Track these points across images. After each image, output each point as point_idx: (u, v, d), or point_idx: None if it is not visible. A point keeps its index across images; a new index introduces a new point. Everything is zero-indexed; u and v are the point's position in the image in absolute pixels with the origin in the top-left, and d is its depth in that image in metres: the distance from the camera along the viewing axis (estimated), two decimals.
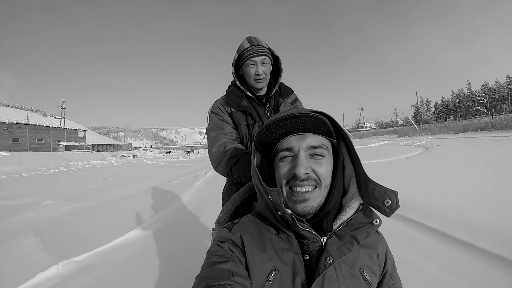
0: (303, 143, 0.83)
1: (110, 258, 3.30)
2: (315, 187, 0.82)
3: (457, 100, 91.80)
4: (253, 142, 0.91)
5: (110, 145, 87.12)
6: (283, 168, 0.83)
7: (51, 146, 54.91)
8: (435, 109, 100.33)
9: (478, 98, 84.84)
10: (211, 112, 1.82)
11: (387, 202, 0.82)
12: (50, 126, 57.20)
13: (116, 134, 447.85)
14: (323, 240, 0.82)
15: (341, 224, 0.85)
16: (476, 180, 5.79)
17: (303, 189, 0.80)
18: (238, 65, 1.78)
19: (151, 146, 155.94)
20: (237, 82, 1.78)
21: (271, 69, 1.81)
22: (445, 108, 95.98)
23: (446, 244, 3.08)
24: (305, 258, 0.81)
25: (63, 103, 76.97)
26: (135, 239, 3.96)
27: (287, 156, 0.84)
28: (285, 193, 0.83)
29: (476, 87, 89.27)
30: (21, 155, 29.51)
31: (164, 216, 5.20)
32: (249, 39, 1.73)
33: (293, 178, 0.81)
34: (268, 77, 1.78)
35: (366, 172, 0.89)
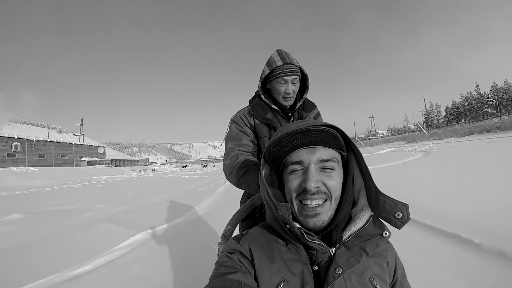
0: (314, 156, 0.81)
1: (158, 235, 4.80)
2: (326, 200, 0.82)
3: (466, 103, 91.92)
4: (262, 155, 0.90)
5: (128, 160, 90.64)
6: (293, 182, 0.82)
7: (74, 161, 57.50)
8: (446, 113, 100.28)
9: (487, 99, 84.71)
10: (232, 121, 1.84)
11: (398, 215, 0.82)
12: (73, 143, 59.92)
13: (130, 150, 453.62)
14: (332, 251, 0.83)
15: (351, 235, 0.86)
16: (462, 181, 6.15)
17: (314, 203, 0.80)
18: (267, 79, 1.77)
19: (166, 160, 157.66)
20: (262, 96, 1.79)
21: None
22: (456, 112, 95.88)
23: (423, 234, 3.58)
24: (314, 269, 0.82)
25: (82, 121, 79.04)
26: (181, 223, 5.57)
27: (297, 169, 0.83)
28: (296, 207, 0.83)
29: (486, 89, 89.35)
30: (49, 170, 31.55)
31: (198, 210, 6.80)
32: (281, 54, 1.70)
33: (303, 192, 0.80)
34: (295, 95, 1.79)
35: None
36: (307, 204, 0.80)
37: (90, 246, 4.22)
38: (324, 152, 0.82)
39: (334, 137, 0.82)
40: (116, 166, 67.16)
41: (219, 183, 13.89)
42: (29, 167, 33.65)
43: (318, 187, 0.80)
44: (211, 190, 10.72)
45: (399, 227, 0.83)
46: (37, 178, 25.66)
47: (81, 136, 76.03)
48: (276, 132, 0.89)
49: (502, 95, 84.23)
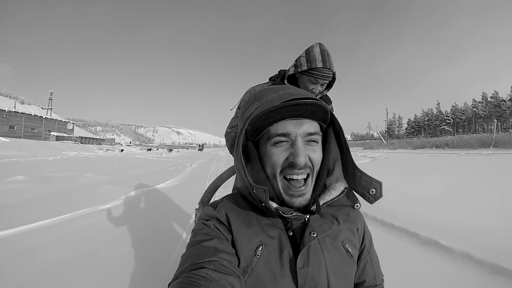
0: (301, 129, 0.79)
1: (148, 193, 6.31)
2: (308, 174, 0.83)
3: (426, 119, 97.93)
4: (243, 127, 0.82)
5: (95, 138, 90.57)
6: (278, 155, 0.80)
7: (42, 135, 57.44)
8: (408, 125, 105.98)
9: (445, 118, 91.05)
10: (249, 92, 1.86)
11: (372, 191, 0.85)
12: (44, 117, 59.50)
13: (94, 128, 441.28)
14: (306, 217, 0.85)
15: (324, 203, 0.89)
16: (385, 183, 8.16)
17: (300, 177, 0.80)
18: (301, 72, 1.74)
19: (130, 142, 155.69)
20: (286, 82, 1.81)
21: None
22: (416, 125, 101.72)
23: None
24: (289, 234, 0.84)
25: (51, 95, 77.62)
26: (163, 187, 7.11)
27: (282, 141, 0.79)
28: (280, 183, 0.82)
29: (447, 107, 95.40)
30: (19, 142, 31.76)
31: (174, 181, 8.51)
32: (323, 55, 1.64)
33: (289, 166, 0.79)
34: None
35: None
36: (292, 179, 0.80)
37: (100, 196, 5.76)
38: (310, 125, 0.81)
39: (324, 112, 0.83)
40: (82, 143, 66.70)
41: (186, 165, 15.66)
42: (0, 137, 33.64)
43: (306, 161, 0.80)
44: (180, 170, 12.47)
45: (371, 202, 0.87)
46: (9, 149, 25.98)
47: (49, 110, 74.72)
48: (264, 101, 0.81)
49: (461, 115, 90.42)
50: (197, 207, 1.28)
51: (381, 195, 0.85)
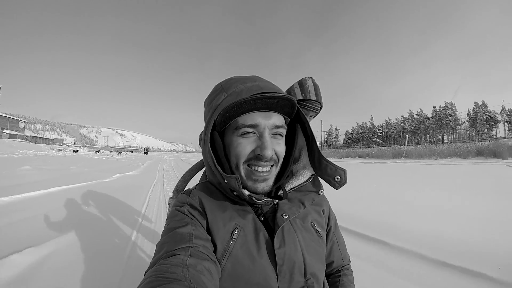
0: (269, 121, 0.81)
1: (129, 175, 10.23)
2: (272, 165, 0.84)
3: (361, 131, 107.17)
4: (211, 117, 0.82)
5: (43, 138, 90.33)
6: (244, 146, 0.81)
7: None
8: (346, 136, 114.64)
9: (377, 131, 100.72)
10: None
11: (337, 178, 0.90)
12: None
13: (33, 125, 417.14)
14: (275, 202, 0.88)
15: (291, 189, 0.95)
16: None
17: (265, 169, 0.82)
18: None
19: (74, 143, 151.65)
20: None
21: None
22: (353, 137, 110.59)
23: None
24: (261, 219, 0.87)
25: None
26: (133, 174, 10.96)
27: (249, 132, 0.80)
28: (243, 171, 0.83)
29: (381, 121, 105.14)
30: None
31: (137, 171, 12.26)
32: (316, 89, 1.50)
33: (256, 158, 0.81)
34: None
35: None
36: (257, 170, 0.82)
37: (96, 177, 9.54)
38: (277, 118, 0.83)
39: (292, 106, 0.84)
40: (33, 143, 65.48)
41: (138, 164, 19.91)
42: None
43: (272, 155, 0.81)
44: (135, 167, 16.57)
45: (337, 188, 0.92)
46: None
47: None
48: (232, 92, 0.81)
49: (393, 129, 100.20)
50: (171, 196, 1.28)
51: (345, 182, 0.90)
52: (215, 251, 0.78)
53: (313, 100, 1.53)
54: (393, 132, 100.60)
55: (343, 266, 1.08)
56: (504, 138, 68.18)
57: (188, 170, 1.36)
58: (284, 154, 0.88)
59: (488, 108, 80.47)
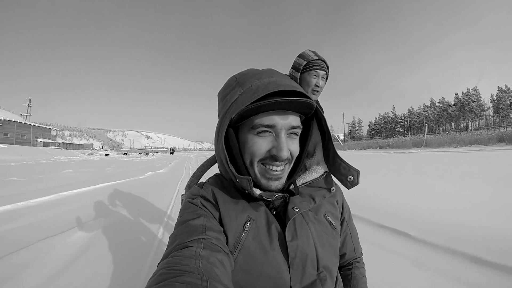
0: (286, 122, 0.79)
1: (160, 173, 11.61)
2: (286, 164, 0.84)
3: (383, 121, 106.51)
4: (225, 114, 0.81)
5: (74, 144, 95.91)
6: (260, 145, 0.80)
7: (31, 141, 61.86)
8: (369, 127, 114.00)
9: (400, 121, 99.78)
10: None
11: (350, 178, 0.92)
12: (32, 124, 63.75)
13: (61, 132, 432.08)
14: (287, 195, 0.89)
15: (304, 183, 0.95)
16: None
17: (279, 168, 0.82)
18: (300, 71, 1.82)
19: (102, 147, 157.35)
20: None
21: None
22: (376, 127, 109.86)
23: None
24: (273, 213, 0.87)
25: (30, 101, 79.86)
26: (163, 171, 12.27)
27: (266, 131, 0.79)
28: (256, 169, 0.82)
29: (404, 111, 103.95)
30: (17, 148, 35.49)
31: (165, 170, 13.68)
32: (314, 52, 1.79)
33: (271, 158, 0.80)
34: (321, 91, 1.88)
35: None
36: (271, 169, 0.81)
37: (135, 174, 10.90)
38: (294, 119, 0.82)
39: (311, 107, 0.84)
40: (65, 149, 70.69)
41: (166, 164, 21.35)
42: None
43: (288, 156, 0.80)
44: (163, 166, 18.09)
45: (348, 188, 0.94)
46: (10, 154, 29.28)
47: (28, 116, 77.14)
48: (248, 88, 0.79)
49: (416, 118, 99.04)
50: (183, 193, 1.27)
51: (358, 182, 0.92)
52: (227, 243, 0.77)
53: (316, 59, 1.75)
54: (416, 121, 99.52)
55: (355, 259, 1.07)
56: None
57: (200, 166, 1.38)
58: (298, 153, 0.87)
59: None
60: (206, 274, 0.59)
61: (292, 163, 0.88)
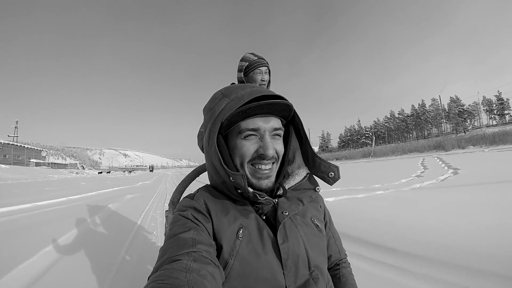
0: (268, 125, 0.86)
1: (147, 183, 17.79)
2: (273, 162, 0.90)
3: (349, 134, 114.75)
4: (214, 122, 0.87)
5: (61, 164, 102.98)
6: (248, 147, 0.86)
7: (24, 162, 67.65)
8: (339, 139, 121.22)
9: (365, 132, 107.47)
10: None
11: (331, 174, 0.96)
12: (25, 146, 70.07)
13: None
14: (275, 201, 0.94)
15: (289, 188, 0.99)
16: None
17: (267, 167, 0.87)
18: (245, 72, 2.07)
19: (83, 167, 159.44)
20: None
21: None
22: (346, 139, 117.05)
23: None
24: (263, 218, 0.90)
25: (17, 123, 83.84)
26: (149, 182, 18.70)
27: (252, 135, 0.86)
28: (247, 170, 0.88)
29: (370, 122, 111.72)
30: (17, 168, 39.82)
31: (150, 181, 19.84)
32: (252, 53, 2.00)
33: (259, 157, 0.86)
34: (268, 85, 2.09)
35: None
36: (261, 168, 0.87)
37: (131, 183, 17.12)
38: (276, 122, 0.89)
39: (289, 110, 0.92)
40: (53, 168, 75.16)
41: (149, 178, 27.39)
42: (0, 164, 42.05)
43: (273, 154, 0.87)
44: (147, 179, 23.71)
45: (331, 184, 0.98)
46: (15, 173, 32.93)
47: (15, 138, 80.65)
48: (234, 97, 0.86)
49: (381, 129, 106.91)
50: (167, 209, 1.28)
51: (339, 177, 0.96)
52: (222, 252, 0.80)
53: (256, 59, 2.02)
54: (382, 131, 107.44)
55: (340, 260, 1.12)
56: (479, 128, 74.34)
57: (181, 182, 1.39)
58: (283, 152, 0.93)
59: (461, 102, 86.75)
60: (196, 287, 0.60)
61: (279, 162, 0.94)
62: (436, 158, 19.56)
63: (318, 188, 1.04)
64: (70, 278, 2.74)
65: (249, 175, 0.89)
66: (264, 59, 2.05)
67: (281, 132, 0.93)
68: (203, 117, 1.03)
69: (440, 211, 3.84)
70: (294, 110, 0.96)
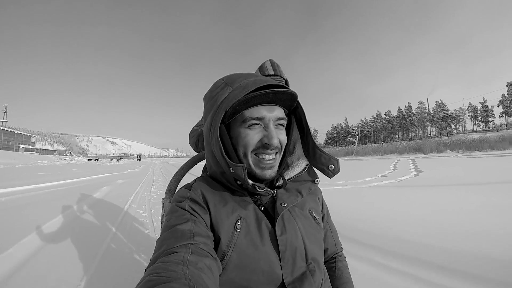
0: (273, 114, 0.85)
1: (135, 171, 19.07)
2: (276, 152, 0.88)
3: (335, 132, 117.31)
4: (217, 110, 0.84)
5: (48, 150, 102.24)
6: (252, 137, 0.84)
7: (14, 147, 67.93)
8: (326, 136, 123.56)
9: (351, 131, 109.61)
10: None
11: (331, 167, 0.94)
12: (15, 132, 69.99)
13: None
14: (274, 192, 0.92)
15: (289, 179, 0.98)
16: None
17: (271, 157, 0.86)
18: None
19: (70, 154, 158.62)
20: None
21: None
22: (333, 137, 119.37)
23: None
24: (261, 209, 0.89)
25: (6, 108, 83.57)
26: (137, 170, 19.89)
27: (256, 124, 0.84)
28: (251, 160, 0.86)
29: (357, 121, 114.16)
30: (8, 153, 40.65)
31: (138, 169, 21.12)
32: (273, 65, 1.75)
33: (262, 147, 0.84)
34: None
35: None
36: (264, 158, 0.85)
37: (120, 170, 18.30)
38: (279, 111, 0.88)
39: (293, 100, 0.91)
40: (42, 154, 75.57)
41: (137, 166, 28.01)
42: None
43: (277, 143, 0.85)
44: (136, 167, 24.68)
45: (330, 177, 0.96)
46: (6, 158, 33.69)
47: (4, 122, 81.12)
48: (237, 86, 0.84)
49: (368, 128, 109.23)
50: (164, 196, 1.28)
51: (338, 170, 0.95)
52: (220, 244, 0.79)
53: (272, 75, 1.75)
54: (368, 131, 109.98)
55: (336, 253, 1.11)
56: (462, 133, 76.85)
57: (179, 169, 1.37)
58: (286, 142, 0.92)
59: (446, 107, 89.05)
60: (193, 281, 0.59)
61: (282, 152, 0.92)
62: (409, 160, 20.51)
63: (317, 180, 1.02)
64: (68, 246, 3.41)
65: (252, 165, 0.87)
66: (283, 77, 1.79)
67: (284, 122, 0.91)
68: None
69: (379, 205, 5.02)
70: (298, 101, 0.95)
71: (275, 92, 0.83)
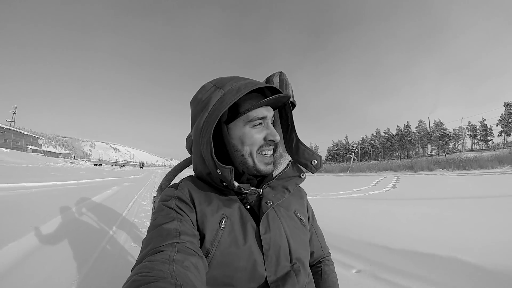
0: (270, 114, 0.89)
1: (138, 177, 20.85)
2: (273, 148, 0.92)
3: (336, 148, 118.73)
4: (213, 112, 0.82)
5: (54, 152, 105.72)
6: (258, 135, 0.87)
7: (22, 148, 69.62)
8: (327, 152, 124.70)
9: (351, 148, 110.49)
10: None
11: (314, 162, 0.95)
12: (24, 133, 72.14)
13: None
14: (260, 191, 0.91)
15: (275, 176, 0.97)
16: None
17: (271, 152, 0.90)
18: None
19: (74, 157, 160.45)
20: None
21: None
22: (334, 153, 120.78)
23: None
24: (247, 208, 0.89)
25: (15, 109, 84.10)
26: (141, 176, 21.81)
27: (260, 124, 0.87)
28: (255, 157, 0.87)
29: (358, 139, 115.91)
30: (17, 153, 42.12)
31: (141, 176, 23.02)
32: (281, 81, 1.39)
33: (266, 144, 0.88)
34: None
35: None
36: (267, 154, 0.89)
37: (125, 175, 20.10)
38: (272, 111, 0.92)
39: (282, 102, 0.95)
40: (48, 156, 77.36)
41: (139, 173, 29.05)
42: (1, 148, 44.24)
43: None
44: (138, 174, 26.40)
45: (313, 172, 0.97)
46: (16, 158, 35.07)
47: (12, 123, 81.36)
48: (229, 89, 0.84)
49: (368, 145, 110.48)
50: (155, 195, 1.28)
51: (321, 166, 0.96)
52: (204, 241, 0.79)
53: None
54: (368, 148, 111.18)
55: (323, 257, 1.10)
56: (460, 152, 77.62)
57: (171, 169, 1.38)
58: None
59: (444, 126, 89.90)
60: (179, 279, 0.58)
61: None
62: (395, 178, 21.49)
63: (303, 174, 1.00)
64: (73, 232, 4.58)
65: (257, 162, 0.88)
66: (289, 94, 1.27)
67: (273, 120, 0.95)
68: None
69: (334, 212, 5.96)
70: (289, 102, 0.99)
71: (276, 98, 0.88)
